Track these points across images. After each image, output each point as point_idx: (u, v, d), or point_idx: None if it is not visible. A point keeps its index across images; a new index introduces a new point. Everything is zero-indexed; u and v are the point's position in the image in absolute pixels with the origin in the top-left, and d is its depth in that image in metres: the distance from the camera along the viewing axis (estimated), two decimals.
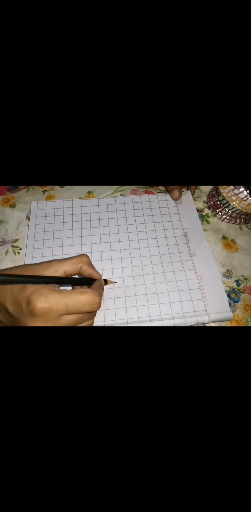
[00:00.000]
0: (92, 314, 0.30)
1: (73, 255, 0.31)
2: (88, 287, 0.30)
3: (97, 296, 0.27)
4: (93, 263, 0.37)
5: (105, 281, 0.35)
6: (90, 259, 0.37)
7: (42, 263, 0.29)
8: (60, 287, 0.29)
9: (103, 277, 0.35)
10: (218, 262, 0.39)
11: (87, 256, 0.31)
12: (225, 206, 0.42)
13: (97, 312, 0.34)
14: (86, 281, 0.32)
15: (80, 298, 0.26)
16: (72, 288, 0.34)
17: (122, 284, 0.36)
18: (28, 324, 0.26)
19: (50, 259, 0.37)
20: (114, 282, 0.36)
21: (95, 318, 0.33)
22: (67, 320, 0.27)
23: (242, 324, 0.35)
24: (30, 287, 0.26)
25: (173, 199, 0.45)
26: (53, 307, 0.25)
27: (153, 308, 0.34)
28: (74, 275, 0.30)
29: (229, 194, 0.40)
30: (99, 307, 0.28)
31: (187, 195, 0.46)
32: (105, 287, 0.35)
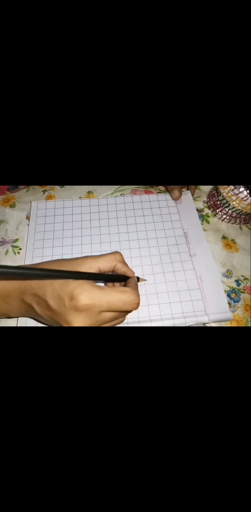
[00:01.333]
0: (127, 314, 0.30)
1: (86, 254, 0.32)
2: (124, 285, 0.31)
3: (137, 296, 0.28)
4: None
5: (137, 279, 0.35)
6: None
7: (76, 259, 0.30)
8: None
9: (136, 275, 0.35)
10: (218, 262, 0.39)
11: (121, 254, 0.31)
12: (225, 206, 0.42)
13: None
14: (120, 278, 0.32)
15: (122, 296, 0.27)
16: (105, 284, 0.34)
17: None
18: (69, 319, 0.26)
19: (50, 259, 0.37)
20: (145, 280, 0.36)
21: None
22: (106, 317, 0.27)
23: (242, 324, 0.35)
24: (73, 283, 0.26)
25: (173, 199, 0.45)
26: (96, 303, 0.26)
27: (152, 308, 0.34)
28: (108, 272, 0.31)
29: (229, 194, 0.40)
30: (138, 306, 0.28)
31: (187, 195, 0.46)
32: None
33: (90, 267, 0.29)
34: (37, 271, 0.24)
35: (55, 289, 0.26)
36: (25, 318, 0.33)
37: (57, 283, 0.26)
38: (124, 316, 0.31)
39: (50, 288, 0.26)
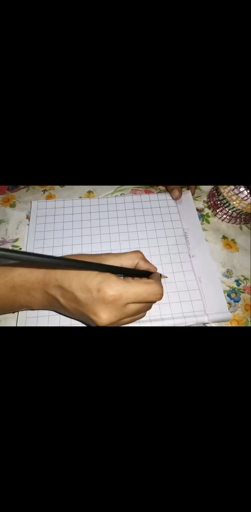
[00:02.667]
0: (149, 306, 0.31)
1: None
2: (148, 279, 0.31)
3: (161, 287, 0.29)
4: None
5: (160, 275, 0.36)
6: None
7: (100, 255, 0.30)
8: None
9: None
10: (218, 262, 0.39)
11: (141, 253, 0.32)
12: (225, 206, 0.42)
13: None
14: (144, 273, 0.32)
15: (147, 287, 0.27)
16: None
17: None
18: (97, 310, 0.26)
19: None
20: (166, 277, 0.37)
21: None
22: (131, 308, 0.28)
23: (242, 324, 0.35)
24: (100, 275, 0.27)
25: (173, 198, 0.45)
26: (123, 295, 0.26)
27: (153, 308, 0.34)
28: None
29: (229, 194, 0.40)
30: (162, 297, 0.29)
31: (187, 195, 0.46)
32: None
33: (113, 263, 0.29)
34: (63, 261, 0.24)
35: (82, 281, 0.27)
36: (24, 317, 0.33)
37: (83, 275, 0.27)
38: (147, 310, 0.32)
39: (77, 280, 0.27)
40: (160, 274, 0.35)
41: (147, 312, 0.34)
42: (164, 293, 0.35)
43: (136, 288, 0.27)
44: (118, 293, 0.26)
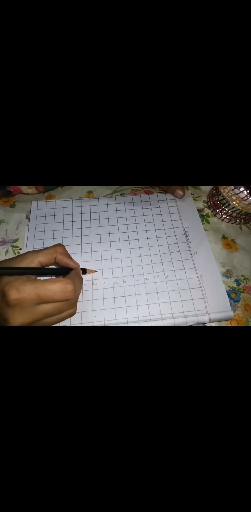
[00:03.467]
0: (70, 303, 0.30)
1: None
2: (63, 277, 0.31)
3: (69, 284, 0.28)
4: (93, 262, 0.37)
5: (85, 271, 0.35)
6: (90, 259, 0.38)
7: (18, 256, 0.30)
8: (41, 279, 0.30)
9: (85, 267, 0.36)
10: (218, 262, 0.39)
11: (62, 246, 0.32)
12: (225, 206, 0.42)
13: (97, 311, 0.34)
14: (63, 271, 0.32)
15: (52, 286, 0.27)
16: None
17: (122, 284, 0.36)
18: (6, 315, 0.26)
19: None
20: (95, 271, 0.37)
21: (94, 317, 0.33)
22: (45, 309, 0.28)
23: (242, 323, 0.35)
24: (4, 279, 0.27)
25: (177, 198, 0.45)
26: (26, 297, 0.26)
27: (153, 307, 0.34)
28: (51, 265, 0.31)
29: (229, 194, 0.40)
30: (73, 295, 0.28)
31: (187, 194, 0.46)
32: (106, 281, 0.36)
33: (31, 262, 0.30)
34: None
35: None
36: None
37: None
38: (71, 306, 0.30)
39: None
40: (85, 269, 0.35)
41: (147, 311, 0.34)
42: (164, 292, 0.35)
43: (39, 289, 0.26)
44: (20, 296, 0.26)
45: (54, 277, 0.33)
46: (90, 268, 0.37)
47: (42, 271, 0.31)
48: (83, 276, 0.36)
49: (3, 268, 0.28)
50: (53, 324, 0.30)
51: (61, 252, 0.32)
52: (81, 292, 0.34)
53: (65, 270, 0.32)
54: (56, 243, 0.39)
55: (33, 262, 0.30)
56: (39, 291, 0.26)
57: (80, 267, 0.34)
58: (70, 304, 0.30)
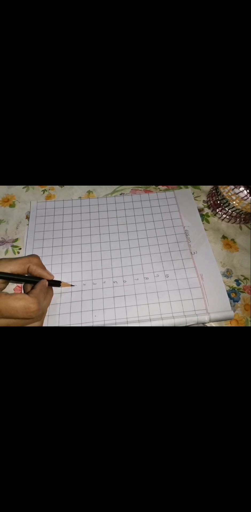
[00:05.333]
0: (35, 319, 0.29)
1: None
2: (31, 288, 0.30)
3: (33, 303, 0.27)
4: (93, 262, 0.37)
5: (59, 283, 0.34)
6: (90, 258, 0.38)
7: None
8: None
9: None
10: (218, 261, 0.39)
11: (37, 257, 0.31)
12: (225, 205, 0.42)
13: (97, 311, 0.34)
14: (34, 279, 0.31)
15: (15, 304, 0.26)
16: (24, 286, 0.34)
17: (122, 283, 0.36)
18: None
19: (50, 258, 0.37)
20: (72, 285, 0.35)
21: (94, 317, 0.33)
22: (6, 322, 0.27)
23: (242, 323, 0.35)
24: None
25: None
26: None
27: (153, 307, 0.34)
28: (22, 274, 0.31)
29: (229, 194, 0.40)
30: (36, 313, 0.27)
31: (187, 192, 0.46)
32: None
33: (2, 270, 0.29)
34: None
35: None
36: None
37: None
38: (35, 321, 0.29)
39: None
40: (59, 282, 0.34)
41: (147, 311, 0.34)
42: (164, 291, 0.35)
43: (1, 305, 0.26)
44: None
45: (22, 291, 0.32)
46: (91, 269, 0.37)
47: (11, 276, 0.30)
48: (83, 276, 0.36)
49: None
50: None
51: (35, 262, 0.31)
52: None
53: (35, 279, 0.31)
54: (56, 243, 0.39)
55: (4, 270, 0.29)
56: (0, 306, 0.26)
57: (55, 279, 0.33)
58: (33, 320, 0.29)
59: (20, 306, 0.26)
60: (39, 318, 0.30)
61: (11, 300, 0.26)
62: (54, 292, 0.34)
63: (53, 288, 0.34)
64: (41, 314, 0.30)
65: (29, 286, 0.32)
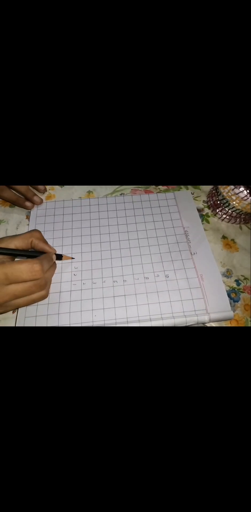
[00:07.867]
0: (39, 284, 0.30)
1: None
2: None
3: (36, 263, 0.29)
4: (93, 262, 0.37)
5: (60, 256, 0.36)
6: (90, 258, 0.38)
7: None
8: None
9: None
10: (218, 261, 0.39)
11: (38, 231, 0.33)
12: (225, 205, 0.42)
13: (97, 310, 0.34)
14: (37, 254, 0.33)
15: (19, 266, 0.28)
16: None
17: (122, 283, 0.36)
18: None
19: None
20: (72, 258, 0.38)
21: (94, 317, 0.33)
22: (13, 290, 0.28)
23: (242, 323, 0.35)
24: None
25: (28, 209, 0.43)
26: None
27: (153, 307, 0.34)
28: (27, 249, 0.33)
29: (229, 194, 0.40)
30: (40, 274, 0.29)
31: (186, 193, 0.46)
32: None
33: (6, 245, 0.31)
34: None
35: None
36: (23, 317, 0.33)
37: None
38: (40, 288, 0.30)
39: None
40: (61, 255, 0.36)
41: (147, 311, 0.34)
42: (164, 291, 0.36)
43: (7, 269, 0.27)
44: None
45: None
46: (90, 268, 0.37)
47: (16, 252, 0.31)
48: (83, 275, 0.36)
49: None
50: (23, 306, 0.31)
51: (37, 237, 0.33)
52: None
53: (39, 254, 0.33)
54: (56, 243, 0.39)
55: (9, 246, 0.31)
56: (6, 270, 0.27)
57: (57, 252, 0.35)
58: (39, 286, 0.30)
59: (24, 267, 0.28)
60: (44, 287, 0.31)
61: (15, 263, 0.28)
62: (53, 288, 0.34)
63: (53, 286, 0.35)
64: (45, 284, 0.31)
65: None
